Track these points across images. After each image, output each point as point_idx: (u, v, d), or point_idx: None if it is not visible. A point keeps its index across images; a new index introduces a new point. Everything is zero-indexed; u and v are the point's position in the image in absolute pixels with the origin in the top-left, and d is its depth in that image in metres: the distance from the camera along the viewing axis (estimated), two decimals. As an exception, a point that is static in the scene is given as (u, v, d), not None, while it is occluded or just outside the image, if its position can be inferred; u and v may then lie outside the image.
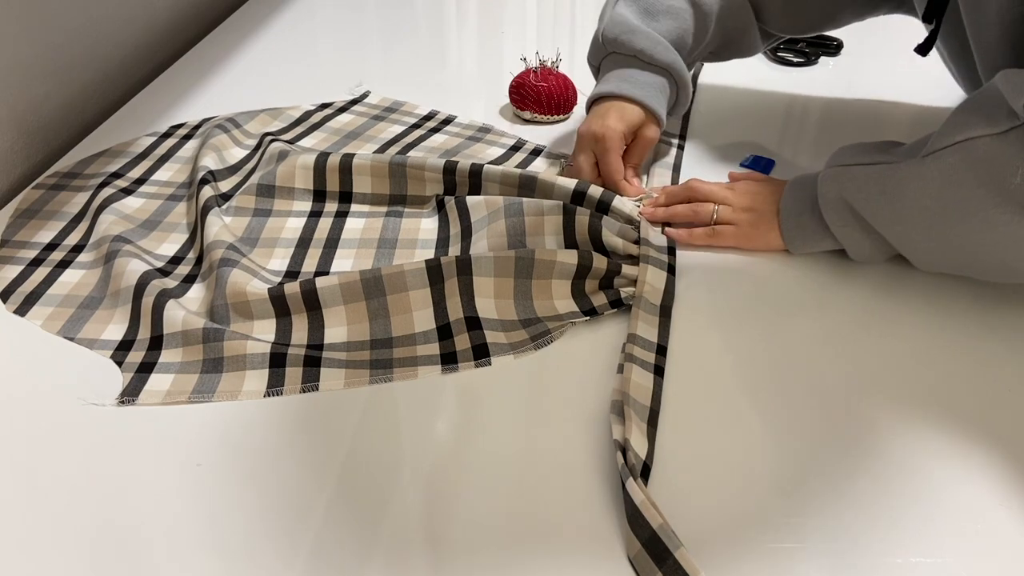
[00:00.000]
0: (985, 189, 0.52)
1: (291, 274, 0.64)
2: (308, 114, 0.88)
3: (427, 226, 0.69)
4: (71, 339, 0.58)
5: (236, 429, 0.51)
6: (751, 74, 0.97)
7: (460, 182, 0.71)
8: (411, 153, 0.80)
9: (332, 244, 0.68)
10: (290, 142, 0.80)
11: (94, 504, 0.46)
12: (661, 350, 0.55)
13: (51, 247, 0.68)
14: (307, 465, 0.49)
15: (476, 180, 0.71)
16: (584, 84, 0.89)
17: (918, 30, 0.76)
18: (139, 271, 0.61)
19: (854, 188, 0.58)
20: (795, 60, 1.01)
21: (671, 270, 0.62)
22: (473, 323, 0.57)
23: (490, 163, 0.77)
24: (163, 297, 0.58)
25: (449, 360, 0.55)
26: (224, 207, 0.71)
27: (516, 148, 0.81)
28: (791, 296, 0.61)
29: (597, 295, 0.60)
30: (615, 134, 0.69)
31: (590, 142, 0.70)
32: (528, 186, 0.69)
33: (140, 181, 0.76)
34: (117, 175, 0.76)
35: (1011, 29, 0.56)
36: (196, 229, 0.69)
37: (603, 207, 0.66)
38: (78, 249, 0.67)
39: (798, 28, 0.81)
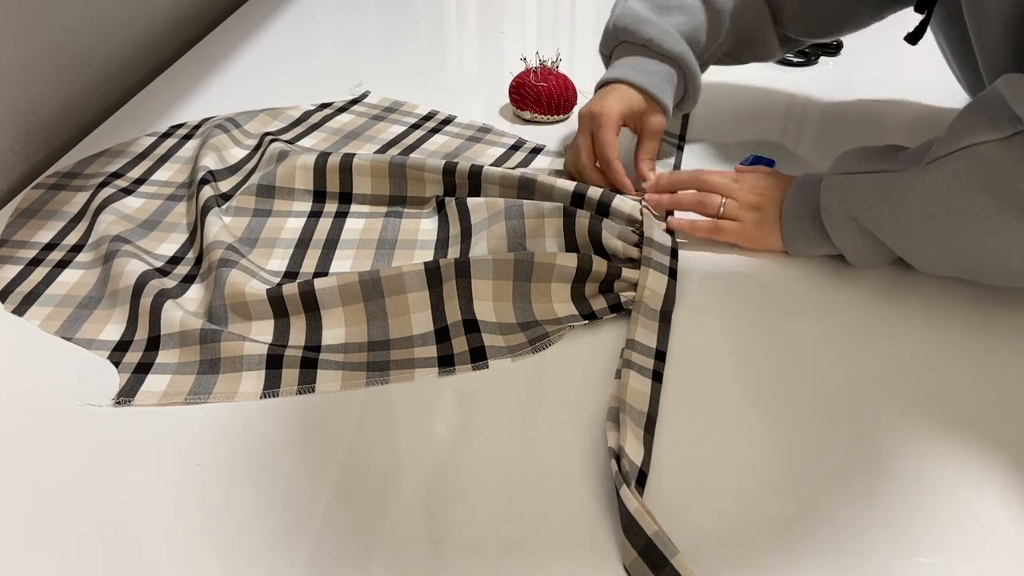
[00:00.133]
0: (989, 195, 0.52)
1: (290, 274, 0.64)
2: (308, 114, 0.88)
3: (427, 227, 0.69)
4: (69, 339, 0.58)
5: (236, 429, 0.51)
6: (751, 74, 0.97)
7: (460, 183, 0.71)
8: (411, 155, 0.80)
9: (331, 245, 0.68)
10: (290, 142, 0.80)
11: (94, 504, 0.46)
12: (660, 355, 0.55)
13: (50, 247, 0.68)
14: (306, 466, 0.49)
15: (476, 181, 0.70)
16: (584, 84, 0.89)
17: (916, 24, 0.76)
18: (138, 271, 0.61)
19: (857, 197, 0.58)
20: (795, 60, 1.01)
21: (672, 274, 0.62)
22: (471, 326, 0.57)
23: (491, 163, 0.77)
24: (161, 297, 0.58)
25: (446, 363, 0.55)
26: (224, 207, 0.71)
27: (516, 148, 0.81)
28: (791, 299, 0.61)
29: (597, 299, 0.60)
30: (612, 111, 0.70)
31: (588, 121, 0.71)
32: (528, 188, 0.69)
33: (140, 181, 0.76)
34: (117, 175, 0.76)
35: (1013, 27, 0.56)
36: (196, 229, 0.69)
37: (603, 208, 0.66)
38: (77, 249, 0.67)
39: (816, 31, 0.80)
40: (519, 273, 0.59)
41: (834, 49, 1.03)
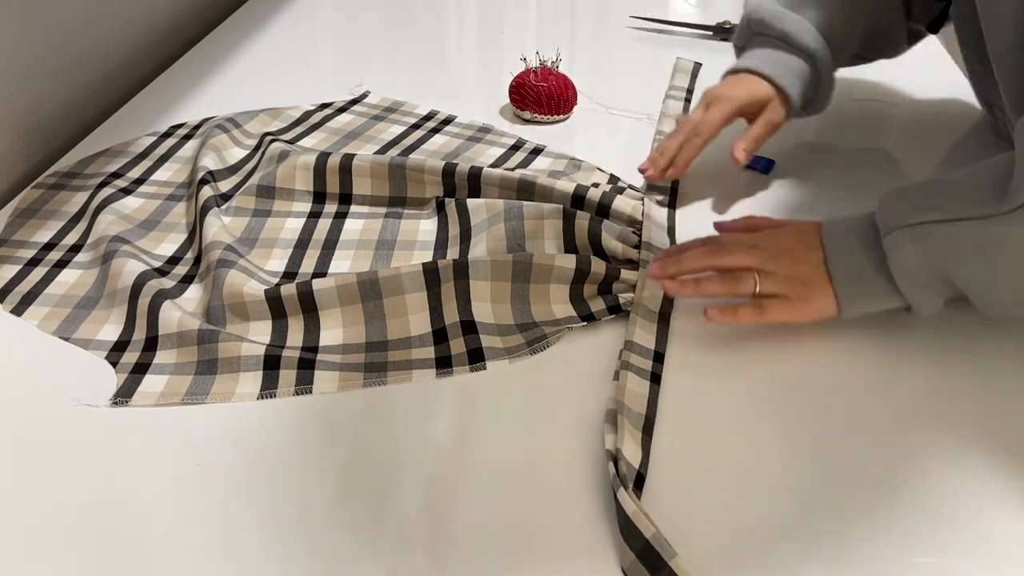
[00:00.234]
0: None
1: (289, 275, 0.64)
2: (308, 114, 0.88)
3: (426, 228, 0.69)
4: (67, 339, 0.58)
5: (236, 429, 0.51)
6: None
7: (459, 184, 0.71)
8: (411, 155, 0.80)
9: (331, 245, 0.68)
10: (290, 142, 0.80)
11: (92, 504, 0.46)
12: (659, 357, 0.55)
13: (49, 247, 0.68)
14: (306, 467, 0.49)
15: (475, 183, 0.70)
16: (584, 84, 0.89)
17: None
18: (136, 271, 0.61)
19: (940, 251, 0.51)
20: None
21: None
22: (469, 327, 0.57)
23: (491, 164, 0.77)
24: (159, 298, 0.58)
25: (444, 364, 0.55)
26: (224, 207, 0.71)
27: (516, 148, 0.81)
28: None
29: (595, 300, 0.60)
30: (732, 98, 0.70)
31: (706, 99, 0.72)
32: (527, 189, 0.69)
33: (139, 181, 0.76)
34: (116, 175, 0.76)
35: None
36: (195, 229, 0.69)
37: (603, 210, 0.66)
38: (76, 249, 0.67)
39: (941, 23, 0.76)
40: (517, 274, 0.59)
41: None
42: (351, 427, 0.51)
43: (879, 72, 0.98)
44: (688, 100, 0.90)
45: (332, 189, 0.73)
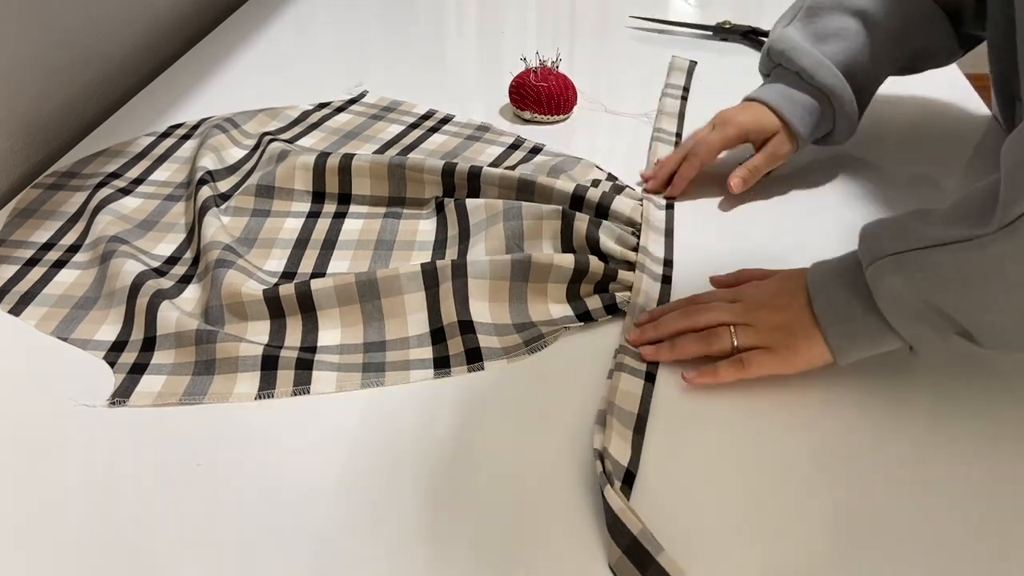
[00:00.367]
0: None
1: (288, 275, 0.64)
2: (306, 114, 0.87)
3: (425, 228, 0.69)
4: (65, 339, 0.58)
5: (234, 430, 0.51)
6: (751, 74, 0.96)
7: (459, 184, 0.71)
8: (410, 155, 0.80)
9: (330, 245, 0.67)
10: (288, 142, 0.80)
11: (90, 505, 0.46)
12: (654, 356, 0.55)
13: (47, 247, 0.68)
14: (304, 466, 0.49)
15: (475, 183, 0.70)
16: (584, 84, 0.89)
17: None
18: (134, 272, 0.61)
19: (925, 279, 0.48)
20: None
21: (667, 280, 0.62)
22: (467, 327, 0.57)
23: (490, 163, 0.77)
24: (157, 298, 0.58)
25: (442, 364, 0.55)
26: (223, 207, 0.71)
27: (515, 147, 0.81)
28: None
29: (592, 299, 0.60)
30: (737, 123, 0.72)
31: (714, 120, 0.74)
32: (527, 189, 0.69)
33: (138, 181, 0.76)
34: (115, 175, 0.76)
35: None
36: (193, 229, 0.68)
37: (602, 210, 0.66)
38: (74, 249, 0.67)
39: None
40: (515, 274, 0.59)
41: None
42: (349, 427, 0.51)
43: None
44: (684, 98, 0.90)
45: (331, 189, 0.73)
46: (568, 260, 0.59)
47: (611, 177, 0.75)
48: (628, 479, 0.46)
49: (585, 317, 0.58)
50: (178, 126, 0.86)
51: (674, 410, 0.52)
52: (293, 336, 0.57)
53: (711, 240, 0.68)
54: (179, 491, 0.47)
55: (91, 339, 0.58)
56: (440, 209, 0.70)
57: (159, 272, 0.64)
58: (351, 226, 0.70)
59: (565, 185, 0.68)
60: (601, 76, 0.97)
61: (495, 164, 0.77)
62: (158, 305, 0.58)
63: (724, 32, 1.05)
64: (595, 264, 0.60)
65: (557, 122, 0.86)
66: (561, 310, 0.59)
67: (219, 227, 0.66)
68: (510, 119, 0.87)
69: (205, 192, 0.70)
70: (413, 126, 0.85)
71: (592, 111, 0.88)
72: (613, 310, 0.59)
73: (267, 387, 0.53)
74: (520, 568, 0.43)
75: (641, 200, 0.70)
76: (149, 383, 0.54)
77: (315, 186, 0.73)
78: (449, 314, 0.58)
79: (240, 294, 0.58)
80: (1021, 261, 0.45)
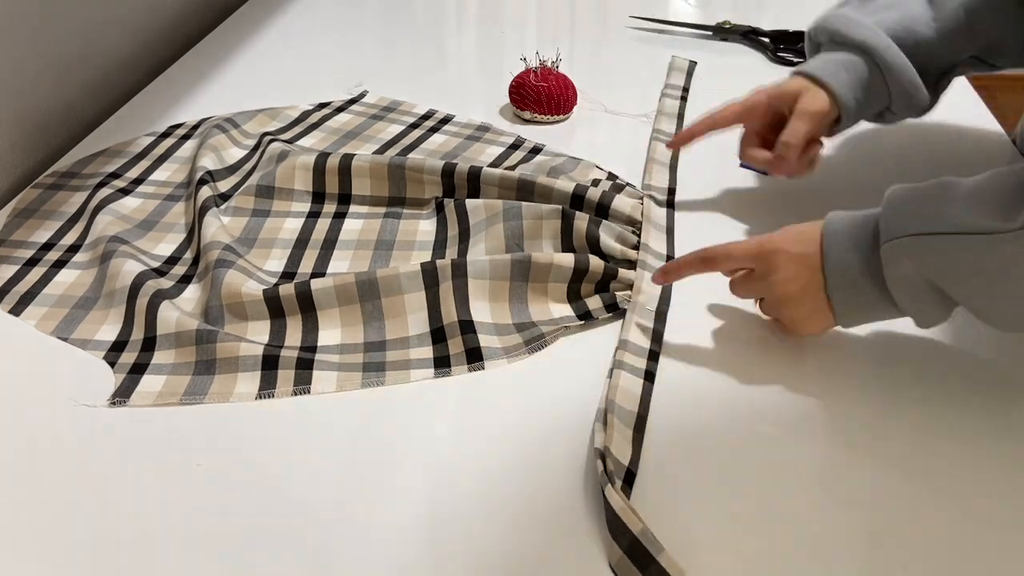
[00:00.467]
0: None
1: (288, 275, 0.64)
2: (306, 114, 0.87)
3: (425, 228, 0.69)
4: (65, 339, 0.58)
5: (234, 429, 0.51)
6: (751, 74, 0.96)
7: (459, 184, 0.71)
8: (410, 155, 0.80)
9: (330, 245, 0.67)
10: (288, 142, 0.80)
11: (90, 505, 0.46)
12: (653, 355, 0.55)
13: (47, 247, 0.68)
14: (304, 466, 0.49)
15: (475, 183, 0.70)
16: (584, 84, 0.89)
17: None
18: (134, 271, 0.61)
19: (939, 266, 0.49)
20: (795, 60, 1.00)
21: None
22: (467, 327, 0.57)
23: (490, 163, 0.77)
24: (157, 298, 0.58)
25: (442, 364, 0.55)
26: (223, 207, 0.71)
27: (515, 146, 0.81)
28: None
29: (592, 298, 0.60)
30: (761, 91, 0.67)
31: (752, 95, 0.68)
32: (527, 189, 0.69)
33: (138, 181, 0.76)
34: (115, 175, 0.76)
35: None
36: (193, 229, 0.68)
37: (603, 209, 0.66)
38: (74, 249, 0.67)
39: None
40: (516, 274, 0.59)
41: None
42: (349, 427, 0.51)
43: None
44: (684, 99, 0.90)
45: (331, 189, 0.73)
46: (568, 260, 0.59)
47: (611, 176, 0.75)
48: (629, 478, 0.46)
49: (586, 317, 0.58)
50: (178, 126, 0.86)
51: (674, 409, 0.52)
52: (293, 336, 0.57)
53: (712, 238, 0.67)
54: (179, 491, 0.47)
55: (91, 339, 0.58)
56: (440, 209, 0.70)
57: (159, 272, 0.64)
58: (351, 226, 0.70)
59: (565, 185, 0.68)
60: (601, 76, 0.97)
61: (495, 164, 0.77)
62: (158, 305, 0.58)
63: (724, 32, 1.05)
64: (595, 263, 0.60)
65: (557, 122, 0.86)
66: (561, 310, 0.59)
67: (219, 227, 0.66)
68: (510, 119, 0.87)
69: (205, 192, 0.70)
70: (413, 126, 0.85)
71: (592, 111, 0.88)
72: (614, 309, 0.59)
73: (267, 387, 0.53)
74: (520, 568, 0.43)
75: (641, 198, 0.70)
76: (149, 383, 0.54)
77: (315, 186, 0.73)
78: (449, 314, 0.58)
79: (240, 294, 0.58)
80: None
